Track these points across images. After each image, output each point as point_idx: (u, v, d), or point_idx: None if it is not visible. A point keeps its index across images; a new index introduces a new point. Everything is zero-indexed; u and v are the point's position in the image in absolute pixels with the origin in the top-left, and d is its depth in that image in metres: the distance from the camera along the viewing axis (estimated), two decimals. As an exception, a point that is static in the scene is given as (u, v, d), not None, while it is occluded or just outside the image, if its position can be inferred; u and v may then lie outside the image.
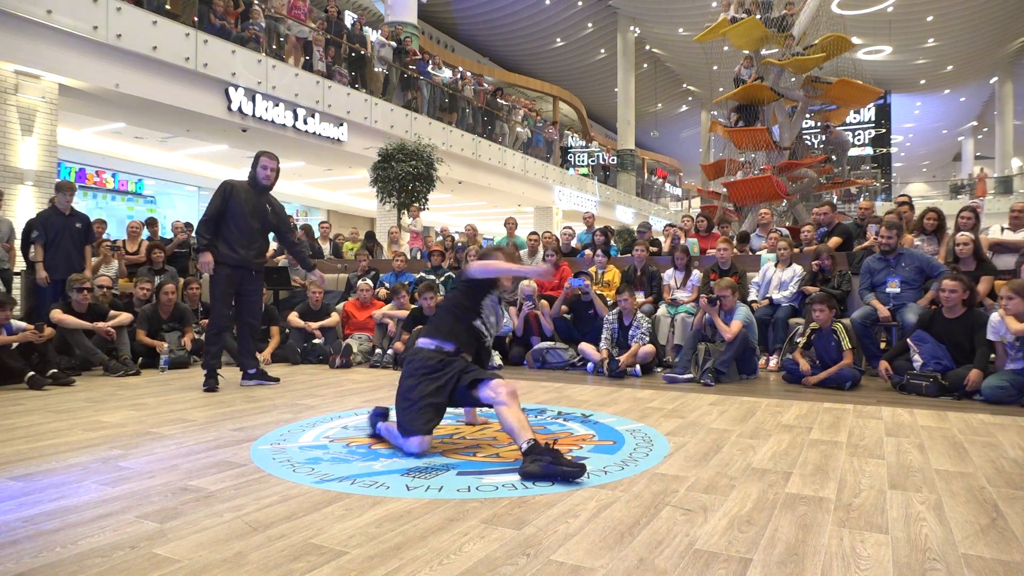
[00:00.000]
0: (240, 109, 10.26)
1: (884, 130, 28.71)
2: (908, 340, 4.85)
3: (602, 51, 28.26)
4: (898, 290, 5.42)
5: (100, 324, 5.68)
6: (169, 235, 9.33)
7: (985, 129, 35.19)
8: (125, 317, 5.93)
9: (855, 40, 14.54)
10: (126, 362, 5.62)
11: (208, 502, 2.29)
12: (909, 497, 2.36)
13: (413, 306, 6.58)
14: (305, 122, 11.44)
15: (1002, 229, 6.07)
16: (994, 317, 4.44)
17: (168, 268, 7.70)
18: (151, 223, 8.96)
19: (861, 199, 15.82)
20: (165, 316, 6.28)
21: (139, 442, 3.16)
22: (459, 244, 8.87)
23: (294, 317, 6.77)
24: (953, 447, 3.10)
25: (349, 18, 15.09)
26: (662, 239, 8.53)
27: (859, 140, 27.86)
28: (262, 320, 5.54)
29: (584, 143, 27.59)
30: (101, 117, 10.81)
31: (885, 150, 29.23)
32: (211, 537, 1.97)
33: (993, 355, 4.57)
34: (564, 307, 6.47)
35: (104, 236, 8.40)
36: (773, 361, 5.98)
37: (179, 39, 9.30)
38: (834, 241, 6.79)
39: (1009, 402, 4.20)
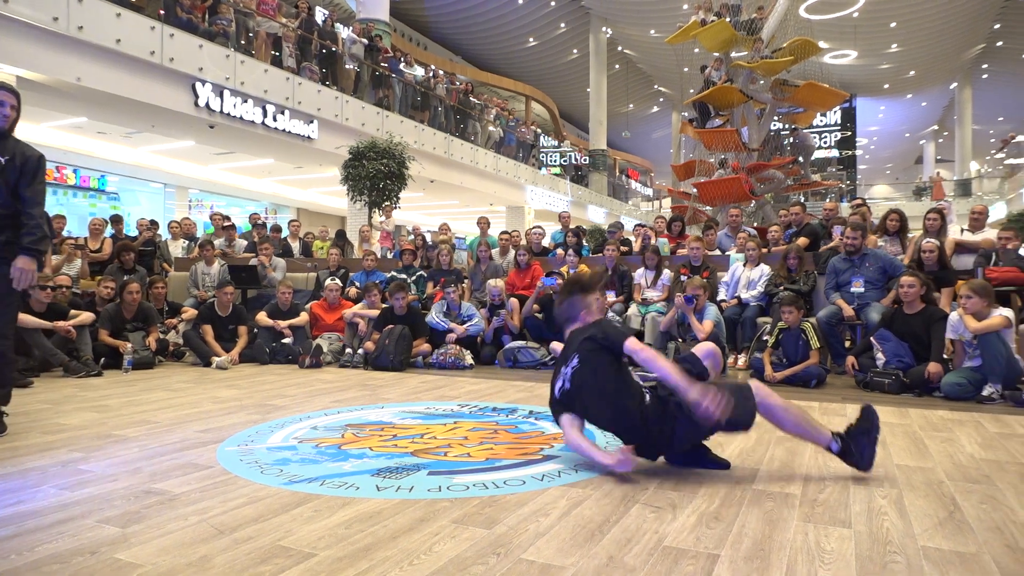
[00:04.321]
0: (208, 105, 10.07)
1: (850, 133, 29.36)
2: (872, 339, 4.96)
3: (575, 51, 28.38)
4: (862, 290, 5.54)
5: (60, 323, 5.52)
6: (134, 232, 9.12)
7: (945, 133, 36.20)
8: (86, 317, 5.78)
9: (822, 44, 14.84)
10: (88, 363, 5.48)
11: (172, 505, 2.24)
12: (872, 492, 2.41)
13: (384, 305, 6.54)
14: (275, 119, 11.28)
15: (962, 230, 6.25)
16: (953, 316, 4.56)
17: (139, 268, 7.52)
18: (116, 220, 8.76)
19: (827, 200, 16.16)
20: (129, 316, 6.14)
21: (101, 445, 3.09)
22: (430, 244, 8.83)
23: (263, 316, 6.67)
24: (914, 443, 3.18)
25: (320, 14, 14.91)
26: (633, 239, 8.60)
27: (825, 142, 28.44)
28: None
29: (556, 143, 27.68)
30: (61, 111, 10.52)
31: (851, 152, 29.89)
32: (175, 541, 1.93)
33: (952, 352, 4.70)
34: (536, 306, 6.48)
35: (64, 233, 8.18)
36: (742, 360, 6.07)
37: (144, 32, 9.10)
38: (802, 241, 6.93)
39: (967, 398, 4.32)
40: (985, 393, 4.27)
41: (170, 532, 2.00)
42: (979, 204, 7.19)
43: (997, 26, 24.39)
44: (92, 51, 8.55)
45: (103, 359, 5.71)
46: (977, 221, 6.18)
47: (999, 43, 25.65)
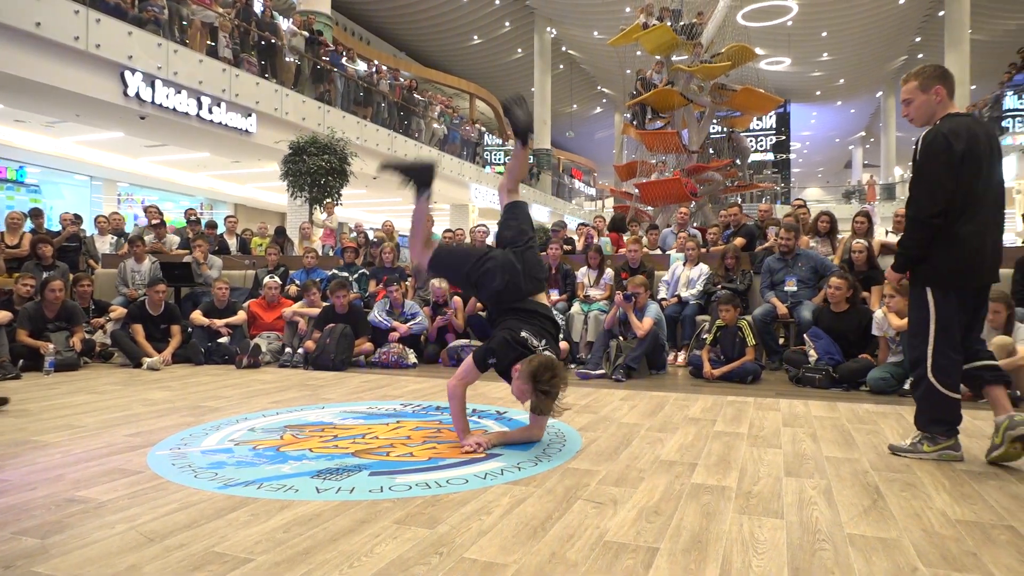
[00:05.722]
0: (138, 95, 9.63)
1: (784, 137, 30.49)
2: (805, 336, 5.16)
3: (519, 50, 28.45)
4: (795, 288, 5.76)
5: (-26, 324, 5.20)
6: (57, 227, 8.65)
7: (872, 139, 37.99)
8: (2, 316, 5.45)
9: (758, 51, 15.35)
10: (4, 365, 5.16)
11: (98, 513, 2.14)
12: (802, 483, 2.51)
13: (325, 304, 6.41)
14: (210, 111, 10.88)
15: (886, 232, 6.57)
16: (878, 314, 4.79)
17: (59, 264, 7.13)
18: (35, 214, 8.27)
19: (762, 202, 16.73)
20: (51, 315, 5.82)
21: (18, 452, 2.92)
22: (374, 240, 8.71)
23: (197, 315, 6.43)
24: (842, 435, 3.33)
25: (258, 4, 14.47)
26: (576, 238, 8.69)
27: (761, 146, 29.45)
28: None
29: (501, 141, 27.69)
30: (-25, 97, 9.89)
31: (785, 156, 31.03)
32: (101, 551, 1.84)
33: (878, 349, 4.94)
34: (480, 304, 6.47)
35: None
36: (681, 357, 6.21)
37: (67, 16, 8.62)
38: (739, 241, 7.15)
39: (890, 392, 4.55)
40: (907, 387, 4.49)
41: (95, 542, 1.90)
42: (902, 208, 7.56)
43: (918, 39, 25.75)
44: (8, 34, 8.04)
45: (22, 361, 5.40)
46: (900, 223, 6.50)
47: (920, 55, 27.06)
